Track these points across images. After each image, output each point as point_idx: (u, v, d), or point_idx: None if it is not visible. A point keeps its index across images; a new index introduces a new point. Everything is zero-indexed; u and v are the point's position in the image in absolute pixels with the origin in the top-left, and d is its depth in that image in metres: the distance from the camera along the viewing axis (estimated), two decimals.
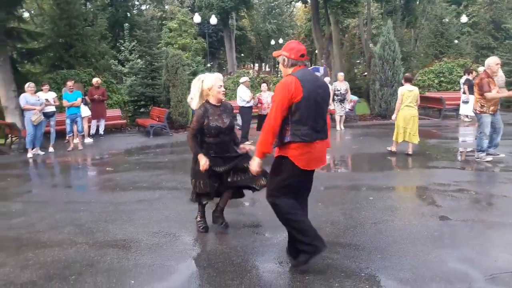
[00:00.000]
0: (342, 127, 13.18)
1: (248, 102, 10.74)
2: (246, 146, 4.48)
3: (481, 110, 7.46)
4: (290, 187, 3.48)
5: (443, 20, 23.74)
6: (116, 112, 14.96)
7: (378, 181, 6.66)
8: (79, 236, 4.59)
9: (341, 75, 13.57)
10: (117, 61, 22.83)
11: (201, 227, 4.59)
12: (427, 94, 16.68)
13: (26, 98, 9.90)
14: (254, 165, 3.52)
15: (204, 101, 4.27)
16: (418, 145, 9.97)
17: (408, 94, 8.50)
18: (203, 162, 4.02)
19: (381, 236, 4.32)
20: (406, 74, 10.30)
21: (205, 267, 3.73)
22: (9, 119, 12.52)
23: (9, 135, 12.02)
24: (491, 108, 7.43)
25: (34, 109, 9.87)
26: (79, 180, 7.96)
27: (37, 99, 10.07)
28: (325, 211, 5.21)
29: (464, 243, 4.11)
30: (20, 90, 12.23)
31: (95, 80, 13.11)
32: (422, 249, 3.95)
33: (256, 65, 64.00)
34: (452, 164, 7.95)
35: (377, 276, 3.46)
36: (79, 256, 4.06)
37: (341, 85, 13.15)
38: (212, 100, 4.23)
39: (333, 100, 12.88)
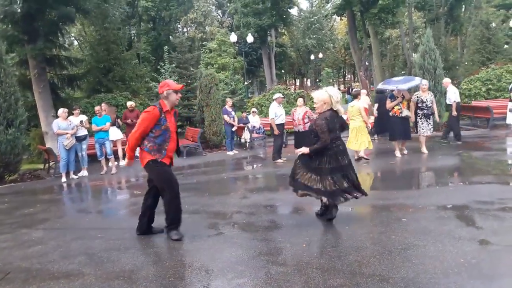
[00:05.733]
0: (426, 151, 10.08)
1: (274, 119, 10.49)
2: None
3: None
4: None
5: (490, 25, 22.60)
6: None
7: (414, 200, 6.14)
8: (88, 267, 4.39)
9: (424, 83, 10.36)
10: (158, 83, 23.29)
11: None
12: (473, 103, 15.75)
13: (58, 124, 10.06)
14: None
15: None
16: (461, 158, 9.33)
17: (350, 109, 9.58)
18: None
19: (410, 264, 3.85)
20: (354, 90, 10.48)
21: None
22: (49, 144, 12.88)
23: (48, 160, 12.30)
24: None
25: (67, 134, 10.02)
26: (105, 204, 7.90)
27: (69, 124, 10.21)
28: (351, 235, 4.78)
29: (506, 273, 3.58)
30: None
31: (130, 104, 13.26)
32: (455, 281, 3.46)
33: (298, 80, 63.96)
34: (498, 179, 7.19)
35: None
36: None
37: (426, 95, 10.11)
38: None
39: (416, 114, 10.21)
